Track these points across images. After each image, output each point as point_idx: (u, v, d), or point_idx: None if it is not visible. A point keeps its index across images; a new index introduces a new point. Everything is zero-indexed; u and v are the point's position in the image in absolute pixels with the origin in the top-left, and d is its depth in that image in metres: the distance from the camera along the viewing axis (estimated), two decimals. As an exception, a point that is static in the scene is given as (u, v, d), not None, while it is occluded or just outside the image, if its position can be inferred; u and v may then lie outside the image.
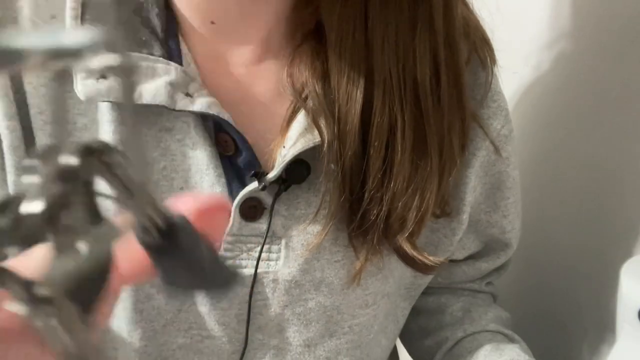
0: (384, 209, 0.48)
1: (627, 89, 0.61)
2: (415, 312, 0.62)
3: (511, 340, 0.59)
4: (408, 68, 0.47)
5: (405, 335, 0.66)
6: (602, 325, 0.61)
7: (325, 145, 0.47)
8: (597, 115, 0.65)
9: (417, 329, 0.64)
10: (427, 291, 0.62)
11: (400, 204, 0.48)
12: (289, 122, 0.49)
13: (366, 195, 0.48)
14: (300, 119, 0.49)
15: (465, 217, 0.55)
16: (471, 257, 0.61)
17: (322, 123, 0.48)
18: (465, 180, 0.54)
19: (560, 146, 0.70)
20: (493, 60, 0.54)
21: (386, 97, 0.47)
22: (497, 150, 0.54)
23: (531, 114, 0.73)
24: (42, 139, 0.48)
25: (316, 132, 0.48)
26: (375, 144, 0.47)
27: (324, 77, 0.48)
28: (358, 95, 0.47)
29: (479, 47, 0.53)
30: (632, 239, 0.61)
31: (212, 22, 0.49)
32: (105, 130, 0.48)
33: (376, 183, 0.48)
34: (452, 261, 0.60)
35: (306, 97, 0.49)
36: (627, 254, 0.51)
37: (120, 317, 0.49)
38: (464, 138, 0.51)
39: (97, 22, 0.46)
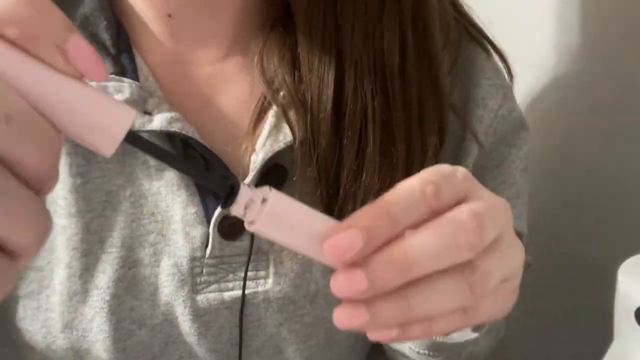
0: (357, 207, 0.45)
1: (628, 90, 0.61)
2: None
3: None
4: (377, 51, 0.45)
5: None
6: (599, 325, 0.61)
7: (297, 143, 0.44)
8: (597, 115, 0.65)
9: None
10: None
11: (372, 199, 0.46)
12: (256, 122, 0.46)
13: (341, 192, 0.45)
14: (270, 117, 0.45)
15: None
16: None
17: (293, 117, 0.44)
18: None
19: (559, 146, 0.70)
20: (487, 43, 0.51)
21: (357, 82, 0.44)
22: (480, 144, 0.50)
23: (530, 114, 0.73)
24: None
25: (286, 130, 0.45)
26: (349, 133, 0.44)
27: (294, 65, 0.45)
28: (330, 80, 0.44)
29: (472, 32, 0.51)
30: (630, 239, 0.61)
31: (169, 15, 0.45)
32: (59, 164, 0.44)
33: (350, 177, 0.45)
34: None
35: (277, 89, 0.45)
36: (625, 254, 0.51)
37: None
38: (441, 128, 0.47)
39: None
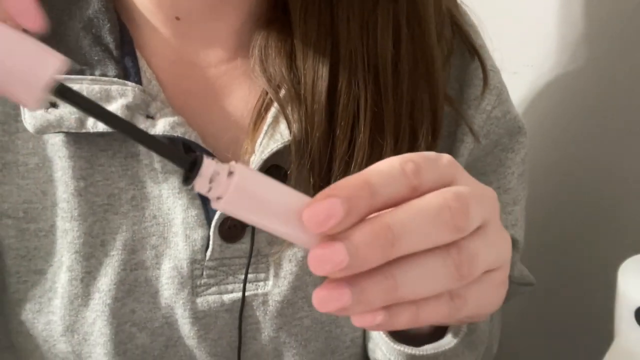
0: None
1: (627, 88, 0.61)
2: None
3: None
4: (370, 41, 0.44)
5: None
6: (599, 325, 0.61)
7: (292, 135, 0.44)
8: (596, 115, 0.65)
9: None
10: None
11: None
12: (256, 122, 0.46)
13: (332, 183, 0.45)
14: (269, 117, 0.45)
15: None
16: None
17: (290, 112, 0.44)
18: None
19: (559, 146, 0.70)
20: (479, 48, 0.50)
21: (351, 73, 0.44)
22: (476, 138, 0.49)
23: (530, 114, 0.73)
24: None
25: (283, 128, 0.45)
26: (342, 124, 0.44)
27: (291, 57, 0.45)
28: (324, 72, 0.44)
29: (465, 35, 0.50)
30: (630, 239, 0.62)
31: (177, 18, 0.45)
32: (62, 167, 0.44)
33: (342, 168, 0.45)
34: None
35: (279, 86, 0.45)
36: (625, 255, 0.51)
37: None
38: (435, 121, 0.46)
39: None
